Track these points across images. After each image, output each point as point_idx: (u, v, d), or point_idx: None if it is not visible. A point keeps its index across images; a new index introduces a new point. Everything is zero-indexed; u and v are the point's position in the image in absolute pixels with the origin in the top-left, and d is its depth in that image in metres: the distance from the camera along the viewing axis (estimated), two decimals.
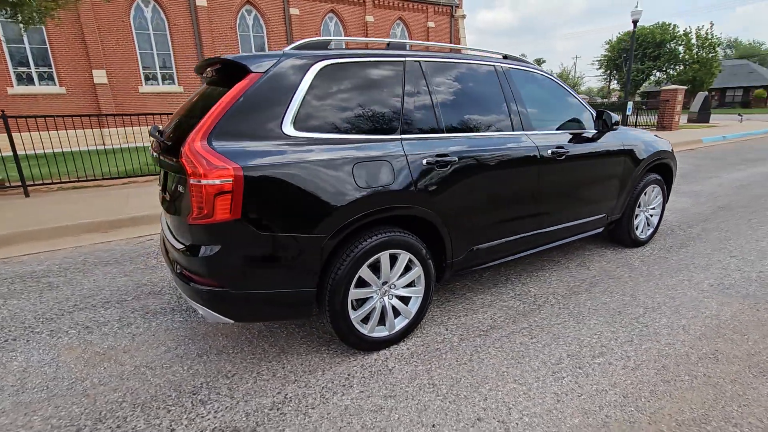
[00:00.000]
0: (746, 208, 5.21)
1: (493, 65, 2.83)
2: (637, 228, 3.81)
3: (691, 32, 37.99)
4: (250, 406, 1.97)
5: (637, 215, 3.78)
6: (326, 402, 1.99)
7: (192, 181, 1.82)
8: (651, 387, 2.04)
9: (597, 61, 48.07)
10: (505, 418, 1.86)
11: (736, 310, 2.73)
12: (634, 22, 15.20)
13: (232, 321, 2.04)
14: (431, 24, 23.36)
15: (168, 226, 2.40)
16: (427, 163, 2.30)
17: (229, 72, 2.13)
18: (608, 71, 46.41)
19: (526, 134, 2.83)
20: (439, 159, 2.34)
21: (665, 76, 41.29)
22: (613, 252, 3.84)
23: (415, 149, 2.29)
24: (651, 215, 3.96)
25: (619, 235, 3.79)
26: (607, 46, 44.92)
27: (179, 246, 2.09)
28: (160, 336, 2.61)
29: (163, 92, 16.74)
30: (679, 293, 3.00)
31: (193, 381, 2.16)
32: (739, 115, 22.55)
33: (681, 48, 39.42)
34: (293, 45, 2.22)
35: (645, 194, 3.75)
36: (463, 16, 24.69)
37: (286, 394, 2.05)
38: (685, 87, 17.35)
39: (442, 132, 2.45)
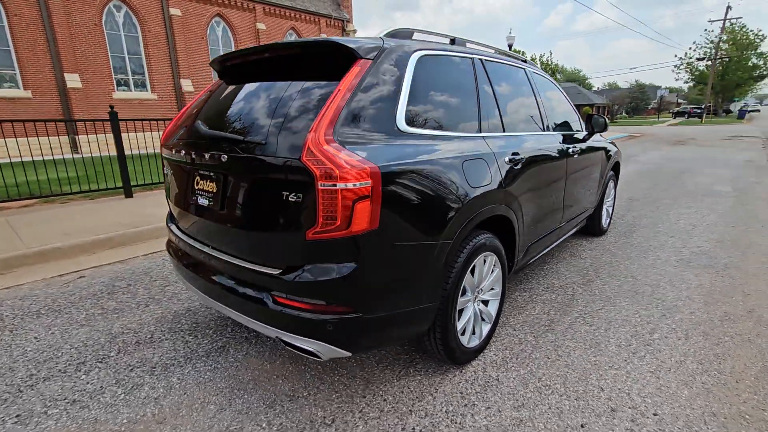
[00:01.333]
0: (647, 198, 6.37)
1: (524, 68, 2.95)
2: (602, 218, 4.35)
3: (536, 58, 45.37)
4: None
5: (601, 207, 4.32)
6: (463, 426, 1.78)
7: (322, 185, 1.47)
8: (710, 351, 2.31)
9: None
10: (631, 403, 1.91)
11: (711, 279, 3.30)
12: (509, 47, 17.49)
13: (349, 354, 1.69)
14: (325, 36, 23.47)
15: (220, 247, 1.91)
16: (508, 161, 2.27)
17: (317, 58, 1.81)
18: None
19: (554, 134, 3.01)
20: (513, 157, 2.33)
21: None
22: (587, 242, 4.31)
23: (496, 147, 2.24)
24: (608, 207, 4.55)
25: (592, 226, 4.27)
26: None
27: (269, 270, 1.67)
28: (195, 393, 2.04)
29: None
30: (661, 270, 3.49)
31: None
32: None
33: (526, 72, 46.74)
34: (385, 32, 1.99)
35: (607, 188, 4.31)
36: (354, 31, 25.35)
37: (413, 428, 1.78)
38: None
39: (503, 131, 2.45)
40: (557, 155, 2.90)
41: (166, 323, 2.71)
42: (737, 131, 21.63)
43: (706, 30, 70.46)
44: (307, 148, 1.49)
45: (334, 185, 1.46)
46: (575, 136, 3.49)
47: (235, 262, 1.82)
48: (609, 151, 4.06)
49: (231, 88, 2.11)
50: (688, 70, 44.15)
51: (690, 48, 46.88)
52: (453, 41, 2.43)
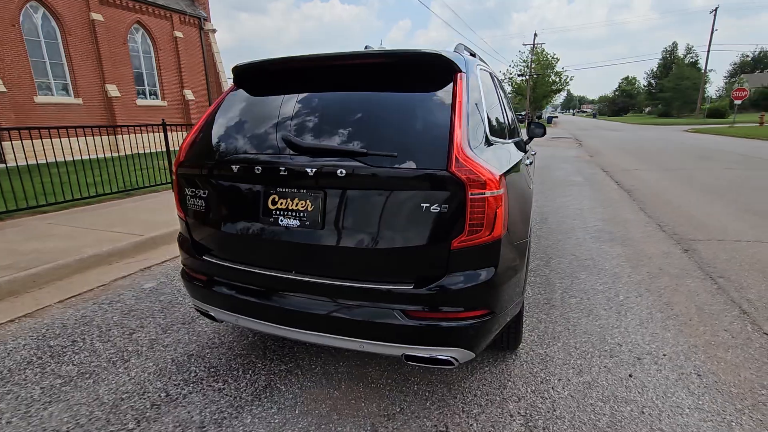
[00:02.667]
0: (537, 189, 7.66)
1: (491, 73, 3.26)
2: None
3: None
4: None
5: None
6: (554, 400, 2.01)
7: (472, 194, 1.51)
8: (660, 302, 3.04)
9: None
10: (646, 350, 2.42)
11: (620, 249, 4.25)
12: None
13: (474, 356, 1.74)
14: (179, 34, 21.07)
15: (317, 271, 1.73)
16: (527, 165, 2.59)
17: (414, 68, 1.79)
18: None
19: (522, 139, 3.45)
20: (527, 162, 2.66)
21: None
22: None
23: (519, 153, 2.52)
24: None
25: None
26: None
27: (398, 287, 1.61)
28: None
29: None
30: (587, 247, 4.34)
31: None
32: None
33: None
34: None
35: None
36: (214, 30, 23.43)
37: (518, 412, 1.93)
38: None
39: (510, 138, 2.76)
40: (530, 160, 3.37)
41: (172, 375, 2.25)
42: (553, 134, 27.16)
43: (519, 51, 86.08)
44: (454, 158, 1.51)
45: (483, 193, 1.52)
46: (526, 141, 4.04)
47: (343, 283, 1.68)
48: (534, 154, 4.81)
49: (296, 96, 1.90)
50: (509, 83, 53.41)
51: (509, 66, 56.84)
52: (473, 55, 2.63)
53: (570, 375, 2.21)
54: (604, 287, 3.31)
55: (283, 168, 1.68)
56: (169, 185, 7.69)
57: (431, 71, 1.79)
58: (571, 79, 50.74)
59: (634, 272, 3.61)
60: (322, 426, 1.88)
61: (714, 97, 51.45)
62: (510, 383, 2.15)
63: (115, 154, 7.17)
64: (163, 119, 7.93)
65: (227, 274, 1.95)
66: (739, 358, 2.33)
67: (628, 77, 73.73)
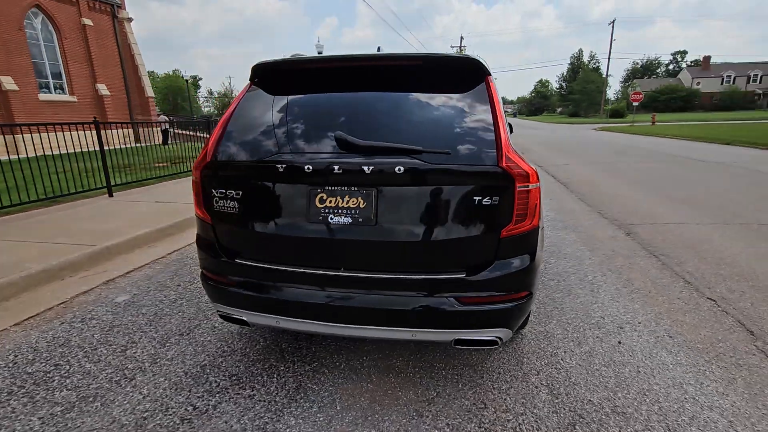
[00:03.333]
0: None
1: None
2: None
3: None
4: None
5: None
6: (568, 370, 2.26)
7: (520, 187, 1.66)
8: (622, 278, 3.49)
9: None
10: (624, 320, 2.79)
11: (575, 235, 4.75)
12: (319, 53, 18.34)
13: (513, 334, 1.90)
14: (88, 21, 18.92)
15: (369, 267, 1.78)
16: None
17: (446, 70, 1.90)
18: None
19: None
20: None
21: None
22: None
23: None
24: None
25: None
26: None
27: (451, 275, 1.73)
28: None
29: None
30: (547, 234, 4.78)
31: None
32: None
33: None
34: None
35: None
36: (130, 19, 21.40)
37: (543, 384, 2.14)
38: None
39: None
40: None
41: (191, 388, 2.14)
42: None
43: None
44: (504, 155, 1.65)
45: (527, 186, 1.68)
46: None
47: (397, 276, 1.75)
48: None
49: (335, 95, 1.94)
50: None
51: None
52: None
53: (572, 347, 2.48)
54: (574, 269, 3.71)
55: (337, 166, 1.70)
56: (104, 190, 6.98)
57: (464, 73, 1.91)
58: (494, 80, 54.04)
59: (593, 255, 4.08)
60: (369, 418, 1.93)
61: (613, 99, 58.39)
62: (525, 359, 2.36)
63: (14, 157, 6.27)
64: (95, 117, 7.18)
65: (265, 276, 1.91)
66: (695, 320, 2.79)
67: (542, 80, 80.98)
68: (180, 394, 2.10)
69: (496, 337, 1.80)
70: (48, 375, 2.28)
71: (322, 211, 1.77)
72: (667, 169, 9.49)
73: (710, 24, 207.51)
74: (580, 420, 1.89)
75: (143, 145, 10.31)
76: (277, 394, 2.10)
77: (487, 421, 1.90)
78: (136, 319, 2.91)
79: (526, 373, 2.24)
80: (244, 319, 1.99)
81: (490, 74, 1.93)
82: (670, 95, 57.26)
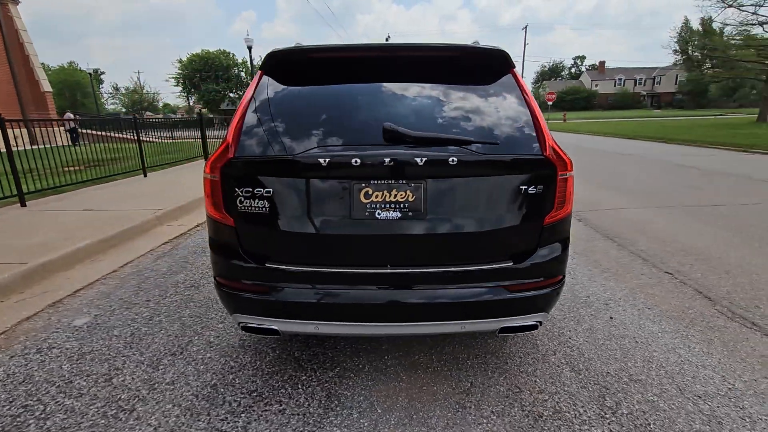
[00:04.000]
0: None
1: None
2: None
3: (248, 61, 46.02)
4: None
5: None
6: (580, 348, 2.41)
7: (561, 175, 1.73)
8: (588, 261, 3.82)
9: (172, 78, 48.98)
10: (608, 297, 3.05)
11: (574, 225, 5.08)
12: (249, 49, 17.48)
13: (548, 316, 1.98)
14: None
15: (419, 261, 1.74)
16: None
17: (474, 62, 1.90)
18: (186, 89, 48.25)
19: None
20: None
21: (238, 96, 48.21)
22: None
23: None
24: None
25: None
26: (178, 65, 46.28)
27: (499, 264, 1.75)
28: None
29: None
30: None
31: None
32: None
33: (243, 74, 47.20)
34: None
35: None
36: (16, 2, 18.51)
37: (562, 362, 2.26)
38: None
39: None
40: None
41: (210, 411, 1.92)
42: None
43: None
44: (548, 144, 1.70)
45: (566, 174, 1.75)
46: None
47: (446, 269, 1.73)
48: None
49: (366, 86, 1.86)
50: None
51: None
52: None
53: (573, 326, 2.65)
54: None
55: (388, 159, 1.62)
56: (13, 199, 5.97)
57: (494, 65, 1.93)
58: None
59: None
60: (414, 416, 1.89)
61: None
62: (539, 342, 2.48)
63: None
64: (0, 114, 6.11)
65: (302, 279, 1.77)
66: (662, 292, 3.14)
67: None
68: (199, 420, 1.87)
69: (537, 321, 1.86)
70: (19, 419, 1.89)
71: (368, 206, 1.68)
72: (593, 163, 10.54)
73: (602, 32, 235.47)
74: (607, 391, 2.03)
75: (44, 146, 8.98)
76: (309, 405, 1.96)
77: (528, 403, 1.96)
78: (110, 343, 2.53)
79: (545, 355, 2.35)
80: (275, 328, 1.83)
81: (514, 66, 1.99)
82: (574, 96, 63.72)
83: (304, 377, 2.18)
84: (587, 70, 77.50)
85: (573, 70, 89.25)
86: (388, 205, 1.68)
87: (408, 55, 1.93)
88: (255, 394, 2.05)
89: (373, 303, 1.74)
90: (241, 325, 1.90)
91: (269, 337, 2.52)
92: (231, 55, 46.54)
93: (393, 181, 1.67)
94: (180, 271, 3.72)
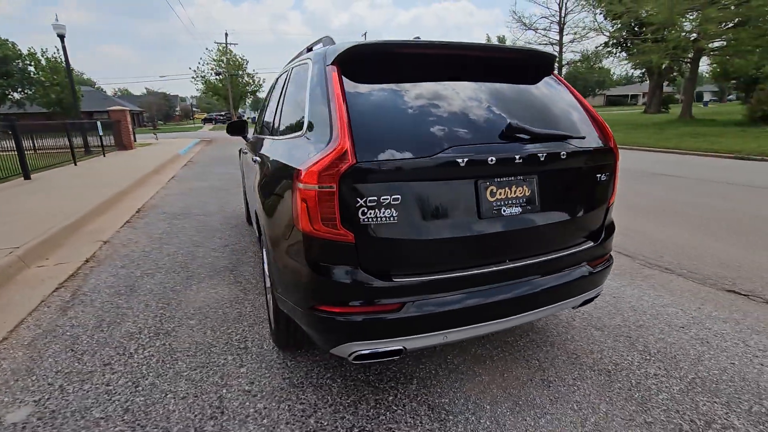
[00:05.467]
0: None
1: None
2: None
3: (38, 53, 36.65)
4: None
5: None
6: (594, 322, 2.85)
7: (618, 164, 2.04)
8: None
9: None
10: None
11: None
12: (62, 37, 14.05)
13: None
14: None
15: (530, 252, 1.84)
16: None
17: (528, 64, 2.05)
18: None
19: None
20: None
21: (25, 96, 37.94)
22: None
23: None
24: None
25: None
26: None
27: (587, 245, 1.98)
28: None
29: None
30: None
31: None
32: (154, 134, 26.65)
33: (32, 68, 37.35)
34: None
35: None
36: None
37: (578, 351, 2.65)
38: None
39: None
40: None
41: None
42: None
43: (208, 49, 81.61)
44: (611, 137, 1.98)
45: (617, 163, 2.07)
46: None
47: (551, 256, 1.86)
48: None
49: (449, 84, 1.80)
50: (203, 82, 50.73)
51: (199, 63, 53.27)
52: None
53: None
54: None
55: (518, 156, 1.66)
56: None
57: (547, 65, 2.12)
58: (264, 81, 52.90)
59: None
60: (519, 401, 1.97)
61: None
62: (580, 315, 2.81)
63: None
64: None
65: (429, 289, 1.66)
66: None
67: None
68: None
69: (597, 293, 2.15)
70: None
71: (494, 204, 1.69)
72: None
73: None
74: (630, 339, 2.48)
75: None
76: (420, 423, 1.85)
77: (591, 363, 2.25)
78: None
79: (569, 322, 2.70)
80: (400, 348, 1.66)
81: (554, 68, 2.23)
82: None
83: (390, 398, 2.02)
84: None
85: None
86: (511, 201, 1.73)
87: (483, 55, 1.98)
88: (364, 430, 1.81)
89: (497, 300, 1.75)
90: (354, 355, 1.66)
91: (312, 372, 2.23)
92: (11, 45, 36.28)
93: (515, 177, 1.72)
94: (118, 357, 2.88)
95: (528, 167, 1.73)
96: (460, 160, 1.59)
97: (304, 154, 1.70)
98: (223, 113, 53.96)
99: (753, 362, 2.24)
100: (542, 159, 1.74)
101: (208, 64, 49.35)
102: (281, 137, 2.27)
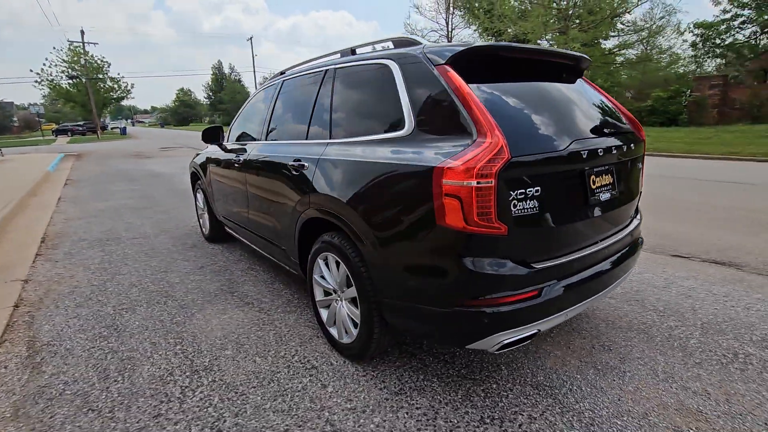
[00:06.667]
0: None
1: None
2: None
3: None
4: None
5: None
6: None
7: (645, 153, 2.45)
8: None
9: None
10: None
11: None
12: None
13: None
14: None
15: (615, 230, 2.17)
16: None
17: (573, 67, 2.33)
18: None
19: None
20: None
21: None
22: None
23: None
24: None
25: None
26: None
27: (637, 219, 2.37)
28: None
29: None
30: None
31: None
32: None
33: None
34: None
35: None
36: None
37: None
38: None
39: None
40: None
41: None
42: (164, 144, 25.47)
43: (56, 48, 68.38)
44: (641, 129, 2.37)
45: (644, 152, 2.48)
46: None
47: (624, 233, 2.17)
48: None
49: (541, 84, 1.99)
50: (51, 87, 42.69)
51: (45, 65, 44.25)
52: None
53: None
54: None
55: (615, 148, 1.92)
56: None
57: (584, 69, 2.40)
58: (132, 87, 46.46)
59: None
60: (599, 367, 2.23)
61: None
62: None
63: None
64: None
65: (558, 272, 1.80)
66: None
67: (183, 89, 77.71)
68: None
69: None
70: None
71: (596, 191, 1.92)
72: None
73: (300, 50, 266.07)
74: (656, 310, 2.95)
75: None
76: (535, 401, 1.97)
77: (650, 326, 2.61)
78: None
79: (611, 296, 3.04)
80: (535, 331, 1.77)
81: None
82: None
83: (494, 386, 2.10)
84: None
85: None
86: (605, 188, 1.98)
87: (555, 61, 2.19)
88: (494, 418, 1.85)
89: (600, 275, 1.98)
90: (499, 345, 1.72)
91: (403, 378, 2.20)
92: None
93: (605, 167, 1.97)
94: None
95: (612, 157, 2.00)
96: (583, 153, 1.78)
97: (429, 153, 1.70)
98: (81, 123, 46.15)
99: (726, 306, 2.87)
100: (623, 150, 2.04)
101: (56, 65, 41.60)
102: (351, 139, 2.18)
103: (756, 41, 21.08)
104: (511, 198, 1.62)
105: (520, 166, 1.63)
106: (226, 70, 69.33)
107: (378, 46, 2.38)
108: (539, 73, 2.13)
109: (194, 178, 4.88)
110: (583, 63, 2.34)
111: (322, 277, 2.45)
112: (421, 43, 2.04)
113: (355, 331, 2.21)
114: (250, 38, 43.44)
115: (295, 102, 2.93)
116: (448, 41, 29.36)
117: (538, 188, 1.69)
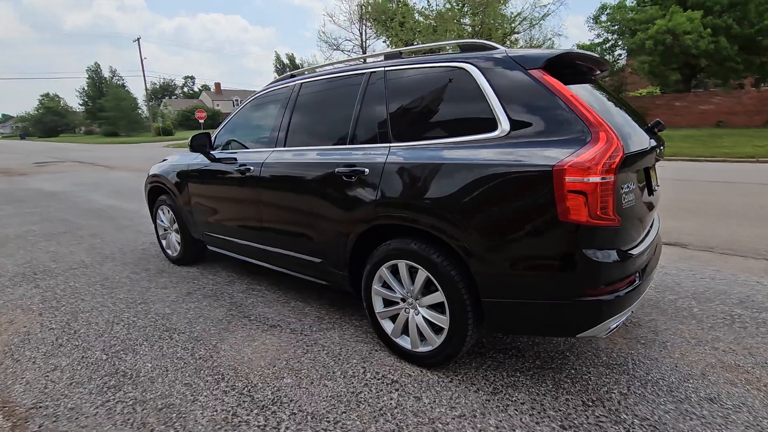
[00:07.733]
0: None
1: None
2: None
3: None
4: None
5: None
6: None
7: None
8: None
9: None
10: None
11: None
12: None
13: None
14: None
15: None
16: None
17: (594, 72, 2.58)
18: None
19: None
20: None
21: None
22: None
23: None
24: None
25: None
26: None
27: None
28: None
29: None
30: None
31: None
32: None
33: None
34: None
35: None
36: None
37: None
38: None
39: None
40: None
41: None
42: (36, 159, 21.49)
43: None
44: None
45: None
46: None
47: (656, 224, 2.47)
48: None
49: (585, 86, 2.16)
50: None
51: None
52: None
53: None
54: None
55: (662, 147, 2.17)
56: None
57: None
58: None
59: None
60: (663, 350, 2.49)
61: (145, 116, 57.25)
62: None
63: None
64: None
65: (638, 258, 1.98)
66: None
67: (49, 94, 66.16)
68: None
69: None
70: None
71: (653, 184, 2.18)
72: None
73: (189, 54, 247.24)
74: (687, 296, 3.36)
75: None
76: (617, 383, 2.14)
77: (662, 306, 2.96)
78: None
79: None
80: (631, 312, 1.94)
81: None
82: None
83: (571, 375, 2.22)
84: (205, 90, 79.96)
85: (186, 89, 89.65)
86: (655, 182, 2.24)
87: (595, 64, 2.37)
88: (594, 400, 1.96)
89: (653, 261, 2.23)
90: (608, 330, 1.85)
91: (488, 377, 2.23)
92: None
93: (655, 162, 2.24)
94: None
95: (656, 154, 2.28)
96: (653, 149, 2.02)
97: (538, 152, 1.77)
98: None
99: (697, 278, 3.43)
100: (660, 148, 2.33)
101: None
102: (425, 142, 2.14)
103: (616, 61, 25.44)
104: (622, 192, 1.78)
105: (630, 162, 1.80)
106: (106, 74, 61.28)
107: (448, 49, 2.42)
108: (586, 77, 2.33)
109: (156, 193, 4.26)
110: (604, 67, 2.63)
111: (386, 286, 2.35)
112: (495, 48, 2.10)
113: (437, 338, 2.16)
114: (138, 39, 39.06)
115: (326, 106, 2.77)
116: (363, 51, 29.99)
117: (633, 182, 1.88)
